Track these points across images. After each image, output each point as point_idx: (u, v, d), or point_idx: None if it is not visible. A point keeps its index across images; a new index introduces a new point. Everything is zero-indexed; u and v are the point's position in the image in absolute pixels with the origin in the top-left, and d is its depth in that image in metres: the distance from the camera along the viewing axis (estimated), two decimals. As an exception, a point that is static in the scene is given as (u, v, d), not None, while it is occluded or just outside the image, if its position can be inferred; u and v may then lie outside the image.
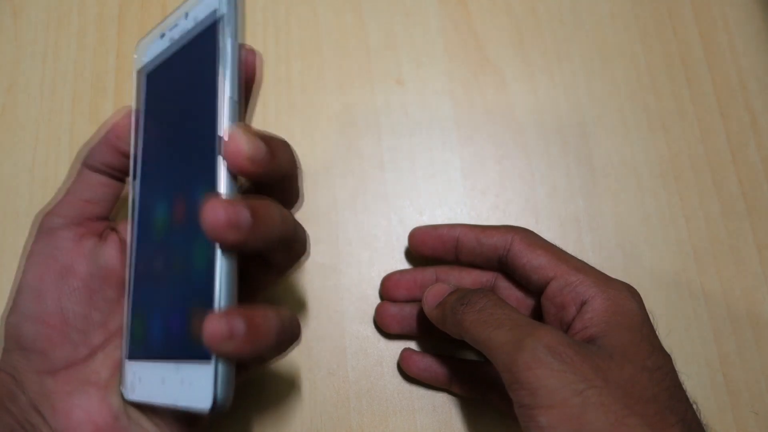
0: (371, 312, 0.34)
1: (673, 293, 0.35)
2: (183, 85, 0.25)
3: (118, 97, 0.38)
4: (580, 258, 0.29)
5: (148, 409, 0.26)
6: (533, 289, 0.29)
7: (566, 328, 0.27)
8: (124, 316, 0.27)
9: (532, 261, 0.29)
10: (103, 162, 0.28)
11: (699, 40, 0.40)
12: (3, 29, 0.39)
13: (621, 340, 0.25)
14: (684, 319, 0.34)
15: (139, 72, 0.28)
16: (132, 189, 0.28)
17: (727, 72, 0.39)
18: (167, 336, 0.24)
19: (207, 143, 0.23)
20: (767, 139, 0.38)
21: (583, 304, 0.26)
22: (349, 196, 0.36)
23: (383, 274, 0.34)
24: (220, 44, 0.23)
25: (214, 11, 0.23)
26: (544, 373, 0.23)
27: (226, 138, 0.22)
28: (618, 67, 0.39)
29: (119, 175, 0.29)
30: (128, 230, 0.28)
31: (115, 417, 0.27)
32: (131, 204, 0.27)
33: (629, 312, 0.26)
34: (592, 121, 0.38)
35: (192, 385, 0.22)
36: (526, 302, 0.31)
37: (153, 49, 0.27)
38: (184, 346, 0.23)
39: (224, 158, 0.22)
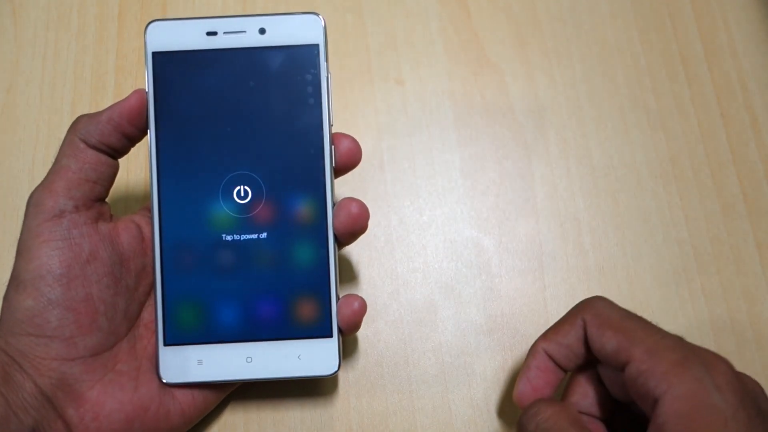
0: (371, 311, 0.34)
1: (673, 293, 0.35)
2: (254, 88, 0.29)
3: (117, 97, 0.37)
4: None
5: (178, 392, 0.28)
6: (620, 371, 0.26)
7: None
8: (157, 304, 0.28)
9: (605, 346, 0.25)
10: (105, 142, 0.28)
11: (699, 40, 0.40)
12: (3, 29, 0.39)
13: None
14: (684, 319, 0.34)
15: (161, 56, 0.29)
16: (156, 177, 0.29)
17: (727, 72, 0.39)
18: (255, 320, 0.29)
19: (307, 150, 0.29)
20: (767, 139, 0.38)
21: (654, 401, 0.22)
22: (348, 194, 0.36)
23: (383, 274, 0.34)
24: (322, 71, 0.29)
25: (315, 45, 0.29)
26: None
27: (345, 144, 0.29)
28: (618, 67, 0.39)
29: (117, 155, 0.29)
30: (154, 220, 0.28)
31: (145, 408, 0.27)
32: (157, 194, 0.28)
33: (709, 411, 0.21)
34: (592, 121, 0.38)
35: (312, 358, 0.28)
36: None
37: (188, 39, 0.29)
38: (289, 327, 0.29)
39: (337, 158, 0.29)
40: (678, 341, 0.24)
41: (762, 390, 0.24)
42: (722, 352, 0.34)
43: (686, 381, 0.22)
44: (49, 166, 0.36)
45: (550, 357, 0.28)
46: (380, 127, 0.38)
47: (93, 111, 0.37)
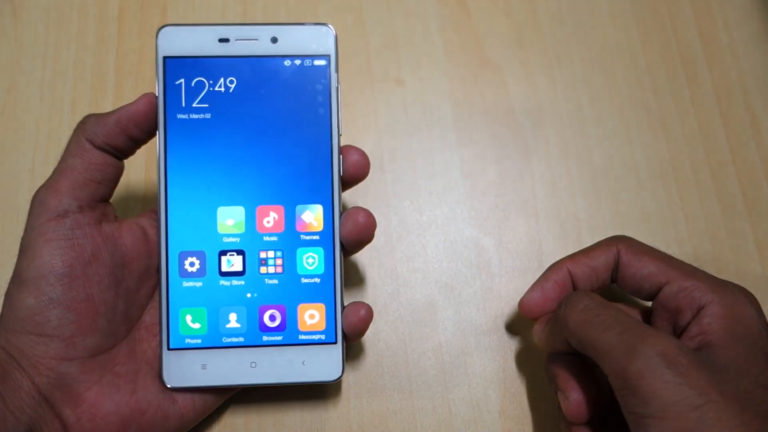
0: (371, 312, 0.34)
1: (673, 293, 0.35)
2: (264, 95, 0.29)
3: (117, 97, 0.38)
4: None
5: (179, 395, 0.28)
6: (644, 297, 0.29)
7: (680, 332, 0.26)
8: (162, 308, 0.28)
9: (642, 269, 0.28)
10: (111, 143, 0.28)
11: (699, 40, 0.40)
12: (3, 29, 0.39)
13: (738, 352, 0.24)
14: (684, 319, 0.34)
15: (173, 61, 0.29)
16: (164, 181, 0.29)
17: (727, 72, 0.39)
18: (260, 325, 0.29)
19: (314, 158, 0.29)
20: (767, 138, 0.38)
21: (699, 308, 0.26)
22: (349, 197, 0.36)
23: (383, 274, 0.34)
24: (332, 81, 0.29)
25: (326, 55, 0.29)
26: (658, 383, 0.23)
27: (353, 157, 0.29)
28: (618, 67, 0.39)
29: (122, 156, 0.29)
30: (161, 223, 0.28)
31: (142, 411, 0.27)
32: (164, 198, 0.28)
33: (747, 321, 0.25)
34: (592, 121, 0.38)
35: (316, 364, 0.29)
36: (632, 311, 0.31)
37: (200, 45, 0.29)
38: (293, 334, 0.29)
39: (344, 171, 0.29)
40: (706, 272, 0.28)
41: None
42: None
43: (729, 295, 0.26)
44: (50, 165, 0.36)
45: (572, 276, 0.30)
46: (380, 127, 0.38)
47: (93, 111, 0.37)
